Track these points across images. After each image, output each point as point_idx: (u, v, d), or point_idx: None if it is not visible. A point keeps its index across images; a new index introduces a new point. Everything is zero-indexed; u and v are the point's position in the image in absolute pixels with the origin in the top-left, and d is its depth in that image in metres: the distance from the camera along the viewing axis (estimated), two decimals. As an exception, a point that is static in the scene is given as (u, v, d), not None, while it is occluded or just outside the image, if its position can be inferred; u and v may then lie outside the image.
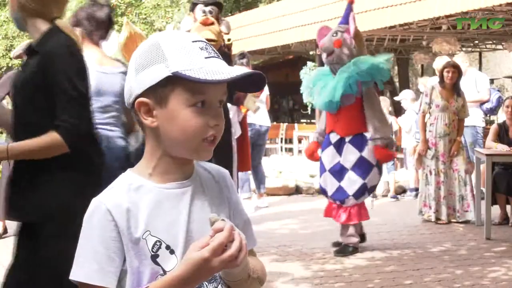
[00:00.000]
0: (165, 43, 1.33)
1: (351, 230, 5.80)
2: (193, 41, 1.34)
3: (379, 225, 7.17)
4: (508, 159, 6.94)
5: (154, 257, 1.32)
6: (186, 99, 1.31)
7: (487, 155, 6.63)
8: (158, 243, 1.32)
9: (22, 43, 8.70)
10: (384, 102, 9.41)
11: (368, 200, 9.00)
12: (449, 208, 7.26)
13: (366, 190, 5.75)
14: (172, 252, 1.33)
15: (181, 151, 1.35)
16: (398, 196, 9.20)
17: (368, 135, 5.68)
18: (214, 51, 1.36)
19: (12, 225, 6.72)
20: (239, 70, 1.34)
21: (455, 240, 6.39)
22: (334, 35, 5.71)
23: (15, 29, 17.30)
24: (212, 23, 4.96)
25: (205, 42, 1.36)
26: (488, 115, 9.25)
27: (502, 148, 7.03)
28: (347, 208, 5.73)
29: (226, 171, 1.51)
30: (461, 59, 8.95)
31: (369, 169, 5.67)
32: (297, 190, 9.75)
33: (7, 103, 8.04)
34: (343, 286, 4.74)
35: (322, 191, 6.04)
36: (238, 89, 1.44)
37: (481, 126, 8.63)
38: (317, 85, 5.85)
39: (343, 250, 5.77)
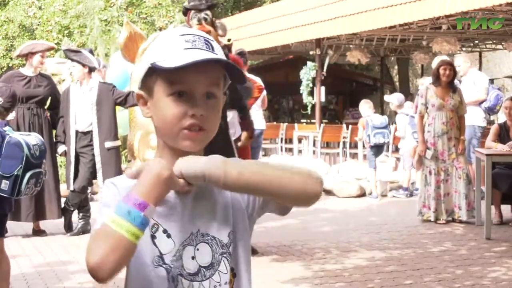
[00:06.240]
0: (157, 38, 1.40)
1: None
2: (181, 35, 1.36)
3: (379, 225, 7.17)
4: (508, 159, 6.94)
5: (152, 238, 1.34)
6: (164, 88, 1.35)
7: (487, 155, 6.62)
8: (156, 226, 1.35)
9: (23, 43, 8.70)
10: (368, 104, 9.44)
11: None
12: (455, 206, 7.21)
13: None
14: (169, 236, 1.35)
15: (168, 140, 1.38)
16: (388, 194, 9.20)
17: None
18: (207, 43, 1.36)
19: (12, 225, 6.72)
20: (201, 56, 1.32)
21: (455, 240, 6.39)
22: None
23: (15, 29, 17.29)
24: (209, 32, 4.82)
25: (196, 35, 1.37)
26: (489, 114, 9.23)
27: (502, 148, 7.02)
28: None
29: None
30: (462, 59, 8.95)
31: None
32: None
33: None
34: (343, 286, 4.74)
35: None
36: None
37: (481, 125, 8.61)
38: None
39: None
